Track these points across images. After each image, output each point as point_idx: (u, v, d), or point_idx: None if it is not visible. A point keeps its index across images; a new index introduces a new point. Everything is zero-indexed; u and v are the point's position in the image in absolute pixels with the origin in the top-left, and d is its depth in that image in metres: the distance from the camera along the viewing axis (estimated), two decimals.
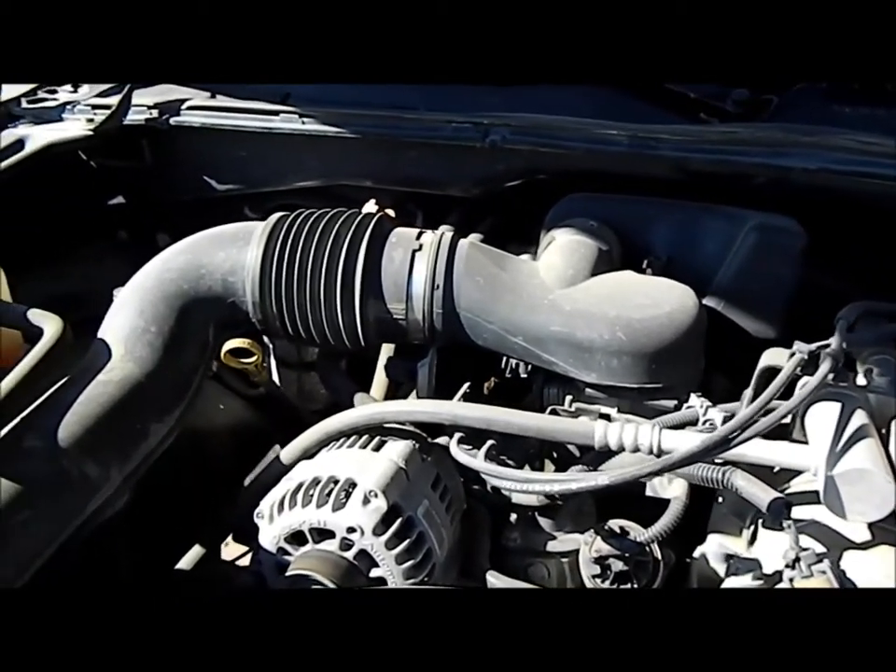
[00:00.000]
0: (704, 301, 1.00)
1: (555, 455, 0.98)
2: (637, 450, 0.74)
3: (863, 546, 0.67)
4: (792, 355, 0.73)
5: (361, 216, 0.97)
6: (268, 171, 1.32)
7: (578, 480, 0.70)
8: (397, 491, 0.80)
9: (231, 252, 0.97)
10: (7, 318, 0.90)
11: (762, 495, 0.68)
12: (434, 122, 1.15)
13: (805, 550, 0.63)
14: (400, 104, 1.20)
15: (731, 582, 0.70)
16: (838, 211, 1.00)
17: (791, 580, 0.63)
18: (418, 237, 0.95)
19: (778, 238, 0.96)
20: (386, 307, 0.93)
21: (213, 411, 1.36)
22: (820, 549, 0.67)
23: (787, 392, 0.74)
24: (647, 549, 0.81)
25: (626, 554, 0.79)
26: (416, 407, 0.86)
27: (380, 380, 1.19)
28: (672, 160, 1.04)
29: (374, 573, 0.78)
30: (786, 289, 0.97)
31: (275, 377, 1.47)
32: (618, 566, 0.79)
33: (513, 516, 0.91)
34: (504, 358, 1.09)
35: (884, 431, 0.71)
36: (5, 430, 0.76)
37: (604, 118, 1.09)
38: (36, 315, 0.88)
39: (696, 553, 0.83)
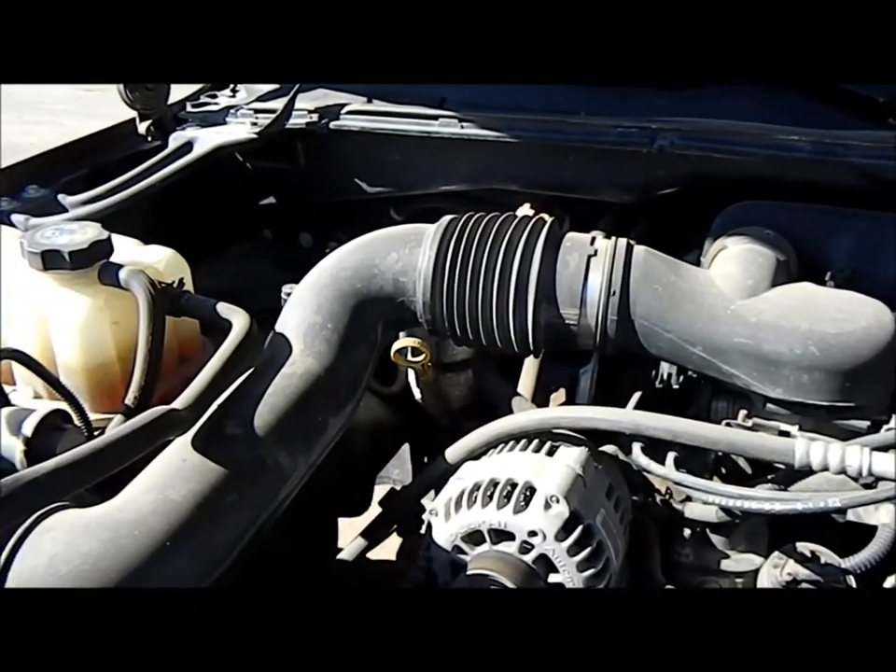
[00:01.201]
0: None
1: (724, 470, 0.94)
2: (842, 472, 0.70)
3: None
4: None
5: (535, 220, 0.97)
6: (419, 174, 1.35)
7: (804, 500, 0.67)
8: (576, 498, 0.79)
9: (402, 253, 0.99)
10: (198, 311, 0.96)
11: None
12: (599, 127, 1.14)
13: None
14: (561, 107, 1.19)
15: None
16: None
17: None
18: (592, 242, 0.95)
19: None
20: (559, 312, 0.92)
21: None
22: None
23: None
24: (842, 577, 0.77)
25: (821, 580, 0.75)
26: (595, 414, 0.85)
27: (527, 383, 1.19)
28: (860, 167, 0.99)
29: (552, 578, 0.78)
30: None
31: (412, 377, 1.50)
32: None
33: (686, 531, 0.88)
34: (655, 368, 1.06)
35: None
36: (206, 416, 0.81)
37: (781, 122, 1.05)
38: (225, 309, 0.93)
39: (888, 584, 0.78)
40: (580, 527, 0.77)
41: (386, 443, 1.53)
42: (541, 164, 1.24)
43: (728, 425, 0.90)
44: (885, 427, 0.80)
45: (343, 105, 1.33)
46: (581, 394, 1.02)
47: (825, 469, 0.71)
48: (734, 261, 0.97)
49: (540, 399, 1.14)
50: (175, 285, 0.96)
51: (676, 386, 1.05)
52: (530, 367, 1.19)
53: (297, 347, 0.93)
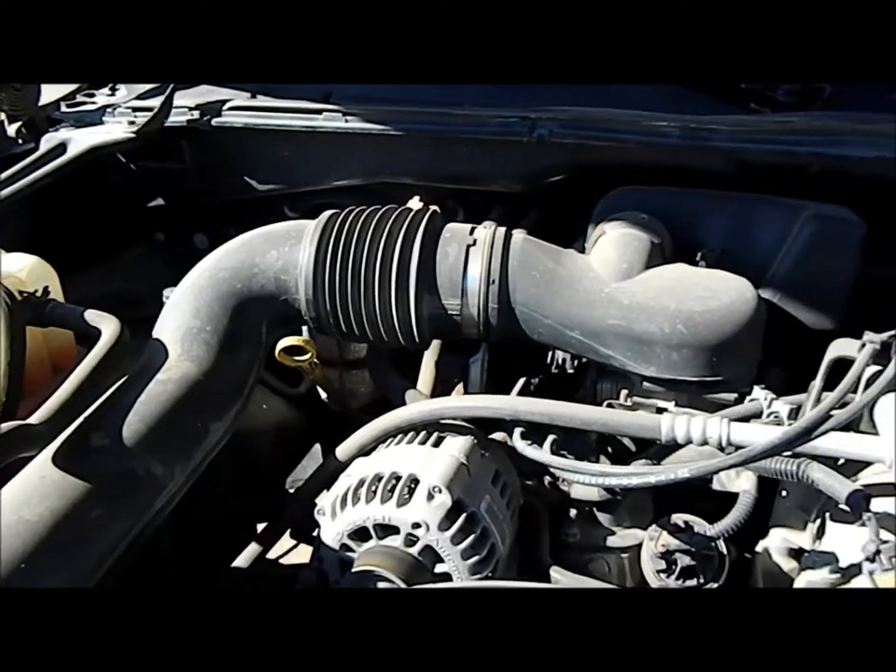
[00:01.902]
0: (760, 293, 0.99)
1: (610, 449, 0.97)
2: (704, 443, 0.73)
3: None
4: (863, 346, 0.72)
5: (414, 212, 0.97)
6: (310, 170, 1.33)
7: (656, 473, 0.70)
8: (460, 487, 0.80)
9: (283, 250, 0.97)
10: (64, 320, 0.91)
11: (839, 487, 0.67)
12: (481, 117, 1.15)
13: (885, 542, 0.62)
14: (445, 100, 1.19)
15: (804, 576, 0.69)
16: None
17: (871, 573, 0.61)
18: (471, 232, 0.95)
19: (836, 228, 0.95)
20: (441, 303, 0.92)
21: (257, 410, 1.37)
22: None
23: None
24: (713, 544, 0.80)
25: (693, 549, 0.78)
26: (477, 402, 0.86)
27: (426, 376, 1.19)
28: (726, 151, 1.03)
29: (439, 569, 0.78)
30: (846, 280, 0.95)
31: None
32: (685, 560, 0.78)
33: (573, 512, 0.90)
34: (550, 354, 1.08)
35: None
36: (71, 429, 0.77)
37: (654, 109, 1.08)
38: (94, 316, 0.89)
39: (759, 548, 0.82)
40: (463, 515, 0.78)
41: (295, 445, 1.51)
42: (430, 156, 1.24)
43: (610, 405, 0.93)
44: (748, 398, 0.84)
45: (226, 101, 1.29)
46: (472, 383, 1.02)
47: (689, 441, 0.74)
48: (611, 246, 1.00)
49: (441, 392, 1.14)
50: (39, 293, 0.91)
51: (571, 371, 1.08)
52: (429, 359, 1.19)
53: (174, 352, 0.90)
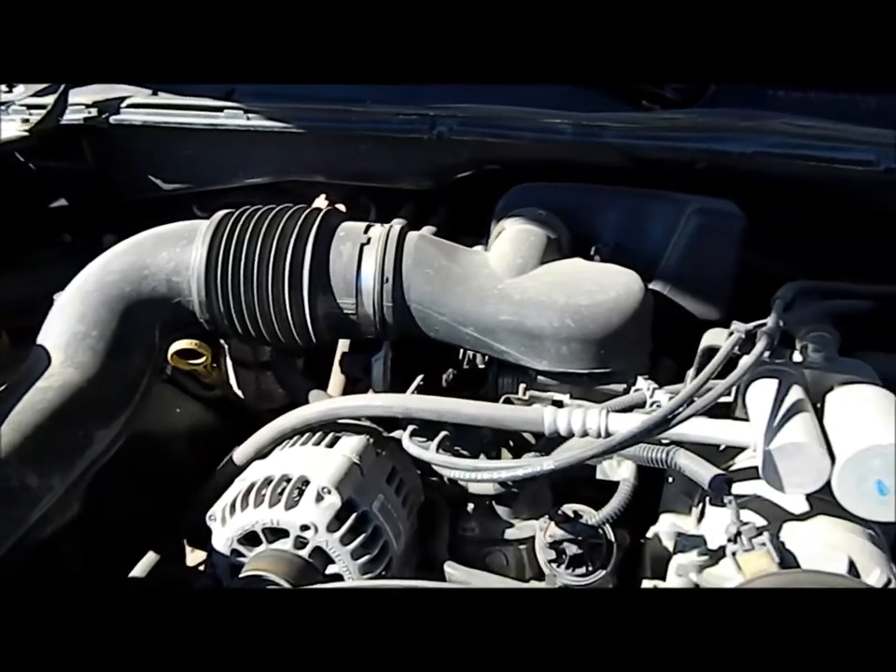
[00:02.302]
0: (651, 286, 1.02)
1: (511, 443, 0.98)
2: (585, 434, 0.75)
3: (804, 517, 0.69)
4: (731, 335, 0.74)
5: (308, 210, 0.96)
6: (216, 168, 1.30)
7: (524, 466, 0.71)
8: (351, 486, 0.79)
9: (174, 251, 0.95)
10: None
11: (703, 472, 0.70)
12: (381, 115, 1.14)
13: (745, 524, 0.64)
14: (348, 97, 1.19)
15: (677, 559, 0.71)
16: (778, 193, 1.02)
17: (733, 553, 0.64)
18: (366, 231, 0.95)
19: (718, 221, 0.98)
20: (336, 302, 0.92)
21: (169, 415, 1.34)
22: (762, 522, 0.69)
23: (727, 371, 0.76)
24: (600, 532, 0.82)
25: (580, 538, 0.80)
26: (368, 401, 0.86)
27: (337, 377, 1.19)
28: (617, 147, 1.05)
29: (330, 570, 0.78)
30: (728, 271, 0.99)
31: (232, 378, 1.45)
32: (572, 549, 0.80)
33: (470, 506, 0.91)
34: (462, 350, 1.09)
35: (818, 405, 0.73)
36: None
37: (550, 107, 1.10)
38: None
39: (649, 534, 0.84)
40: (354, 515, 0.78)
41: (213, 448, 1.48)
42: (335, 154, 1.23)
43: (508, 399, 0.94)
44: (633, 388, 0.86)
45: (124, 98, 1.26)
46: (375, 381, 1.02)
47: (571, 433, 0.76)
48: (508, 242, 1.01)
49: (352, 392, 1.13)
50: None
51: (482, 366, 1.08)
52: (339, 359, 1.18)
53: (56, 359, 0.87)
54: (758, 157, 0.99)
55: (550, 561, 0.81)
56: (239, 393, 1.40)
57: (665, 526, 0.83)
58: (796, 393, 0.72)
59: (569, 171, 1.09)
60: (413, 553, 0.87)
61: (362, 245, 0.92)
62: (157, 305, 0.94)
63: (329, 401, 0.89)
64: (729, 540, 0.65)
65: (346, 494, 0.78)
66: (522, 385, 0.96)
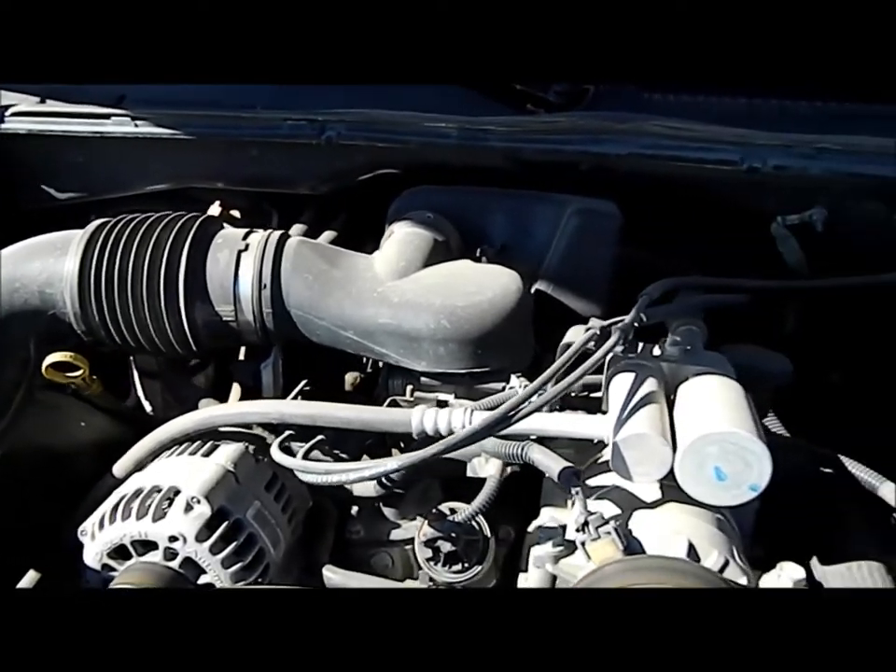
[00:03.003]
0: (536, 285, 1.04)
1: (402, 444, 0.99)
2: (451, 433, 0.76)
3: (655, 505, 0.71)
4: (587, 331, 0.77)
5: (186, 218, 0.95)
6: (109, 176, 1.27)
7: (370, 467, 0.72)
8: (223, 495, 0.79)
9: (47, 262, 0.93)
10: None
11: (553, 465, 0.72)
12: (270, 121, 1.14)
13: (592, 514, 0.66)
14: (239, 102, 1.18)
15: (534, 551, 0.72)
16: (654, 193, 1.05)
17: (582, 543, 0.66)
18: (245, 237, 0.94)
19: (594, 221, 1.01)
20: (214, 310, 0.91)
21: (73, 428, 1.31)
22: (617, 511, 0.71)
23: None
24: (476, 528, 0.83)
25: (454, 535, 0.81)
26: (245, 408, 0.85)
27: (237, 385, 1.18)
28: (501, 150, 1.07)
29: (203, 580, 0.77)
30: (605, 268, 1.01)
31: (139, 389, 1.42)
32: (446, 547, 0.81)
33: (355, 509, 0.92)
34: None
35: (672, 397, 0.76)
36: None
37: (438, 111, 1.11)
38: None
39: (531, 528, 0.86)
40: (225, 524, 0.77)
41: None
42: (228, 160, 1.22)
43: (394, 401, 0.95)
44: (507, 386, 0.88)
45: (8, 107, 1.22)
46: (265, 389, 1.02)
47: (438, 433, 0.77)
48: (393, 245, 1.02)
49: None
50: None
51: None
52: None
53: None
54: (632, 158, 1.02)
55: (427, 559, 0.82)
56: (146, 404, 1.38)
57: (545, 520, 0.84)
58: (649, 386, 0.75)
59: (460, 174, 1.11)
60: (296, 559, 0.87)
61: (240, 252, 0.92)
62: (30, 318, 0.92)
63: (205, 410, 0.89)
64: (577, 530, 0.67)
65: (218, 502, 0.78)
66: (409, 387, 0.97)
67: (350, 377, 1.15)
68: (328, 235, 1.21)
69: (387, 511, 0.92)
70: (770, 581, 0.65)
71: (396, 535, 0.90)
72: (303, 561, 0.88)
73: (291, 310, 0.92)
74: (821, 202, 1.01)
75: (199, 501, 0.77)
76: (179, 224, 0.93)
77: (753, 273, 1.03)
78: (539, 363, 0.99)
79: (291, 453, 0.81)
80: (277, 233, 0.96)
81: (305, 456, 0.80)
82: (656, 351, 0.82)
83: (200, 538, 0.76)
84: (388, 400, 0.94)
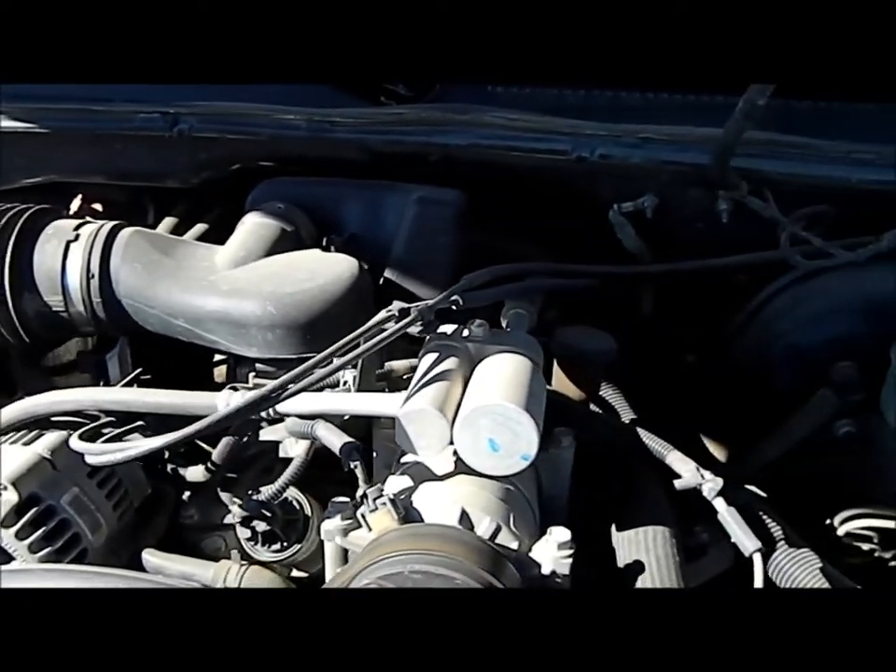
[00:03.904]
0: (386, 272, 1.06)
1: None
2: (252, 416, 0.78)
3: (444, 478, 0.74)
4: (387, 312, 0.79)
5: (14, 211, 0.95)
6: None
7: (136, 447, 0.73)
8: (35, 481, 0.80)
9: None
10: None
11: (335, 440, 0.74)
12: (123, 114, 1.15)
13: (371, 487, 0.69)
14: (96, 96, 1.18)
15: (324, 525, 0.72)
16: (498, 181, 1.09)
17: (362, 515, 0.68)
18: (77, 228, 0.95)
19: (434, 209, 1.04)
20: (44, 300, 0.92)
21: None
22: (408, 485, 0.74)
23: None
24: (296, 507, 0.85)
25: (269, 514, 0.83)
26: (61, 397, 0.86)
27: None
28: (348, 141, 1.10)
29: (14, 565, 0.78)
30: (446, 254, 1.04)
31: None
32: (261, 526, 0.83)
33: (187, 494, 0.93)
34: None
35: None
36: None
37: (289, 103, 1.13)
38: None
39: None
40: (34, 510, 0.78)
41: None
42: (93, 154, 1.22)
43: (234, 387, 0.96)
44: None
45: None
46: (112, 380, 1.03)
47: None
48: (238, 235, 1.04)
49: None
50: None
51: None
52: None
53: None
54: (472, 148, 1.05)
55: (246, 539, 0.84)
56: None
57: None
58: (447, 364, 0.77)
59: (323, 165, 1.12)
60: (125, 544, 0.88)
61: (69, 242, 0.93)
62: None
63: (24, 401, 0.89)
64: (357, 504, 0.69)
65: (29, 489, 0.79)
66: (251, 374, 0.98)
67: (219, 370, 1.16)
68: (199, 228, 1.22)
69: (223, 496, 0.93)
70: (541, 545, 0.68)
71: (229, 518, 0.92)
72: (133, 546, 0.89)
73: (122, 299, 0.93)
74: (652, 189, 1.05)
75: (6, 488, 0.77)
76: (7, 217, 0.93)
77: (604, 258, 1.07)
78: None
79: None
80: (110, 224, 0.96)
81: (116, 441, 0.81)
82: (466, 332, 0.85)
83: (6, 523, 0.77)
84: (227, 387, 0.96)
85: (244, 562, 0.85)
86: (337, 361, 0.72)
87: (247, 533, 0.84)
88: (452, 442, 0.71)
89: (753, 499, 0.93)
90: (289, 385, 0.70)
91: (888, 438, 0.90)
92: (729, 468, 1.08)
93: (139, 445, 0.72)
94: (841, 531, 1.03)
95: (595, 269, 1.07)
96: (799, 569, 0.84)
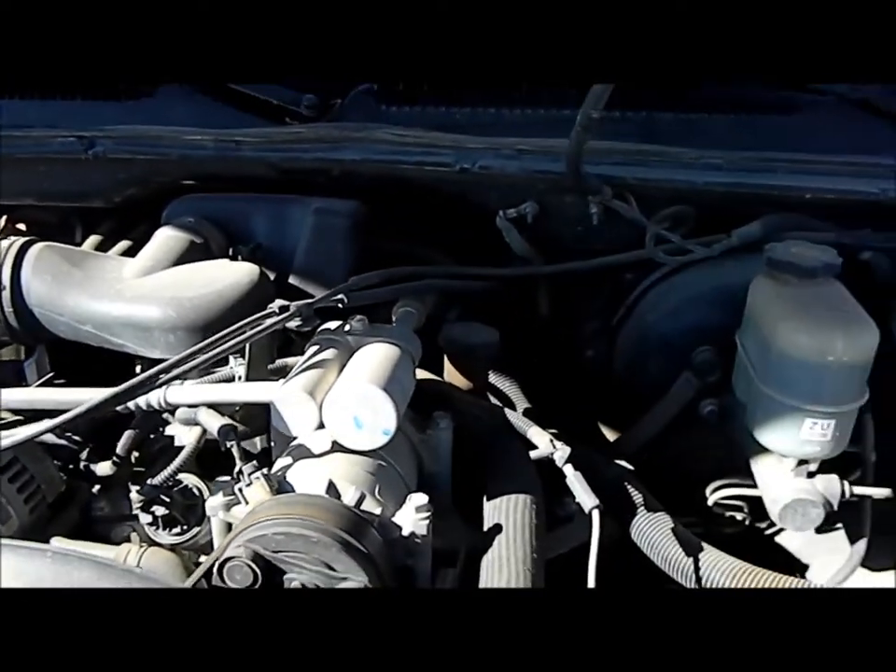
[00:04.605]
0: (290, 278, 1.15)
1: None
2: (149, 408, 0.85)
3: (321, 455, 0.82)
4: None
5: None
6: None
7: (11, 435, 0.79)
8: None
9: None
10: None
11: (214, 423, 0.82)
12: (42, 138, 1.22)
13: (247, 463, 0.77)
14: (19, 122, 1.26)
15: (209, 502, 0.79)
16: (393, 193, 1.18)
17: (240, 489, 0.76)
18: None
19: (330, 218, 1.13)
20: None
21: None
22: (288, 462, 0.82)
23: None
24: (195, 493, 0.92)
25: (170, 500, 0.90)
26: None
27: None
28: (253, 159, 1.18)
29: None
30: (342, 260, 1.13)
31: None
32: (160, 511, 0.90)
33: (97, 487, 0.99)
34: None
35: None
36: None
37: (200, 125, 1.22)
38: None
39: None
40: None
41: None
42: (21, 178, 1.29)
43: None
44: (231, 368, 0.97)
45: None
46: (31, 385, 1.09)
47: (129, 410, 0.86)
48: (148, 248, 1.11)
49: None
50: None
51: None
52: None
53: None
54: (365, 163, 1.15)
55: (148, 524, 0.91)
56: None
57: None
58: (325, 354, 0.86)
59: (237, 182, 1.21)
60: (36, 535, 0.94)
61: None
62: None
63: None
64: (235, 479, 0.77)
65: None
66: None
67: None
68: (122, 245, 1.30)
69: (133, 488, 1.00)
70: (402, 511, 0.76)
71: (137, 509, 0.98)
72: (42, 536, 0.94)
73: (33, 308, 1.00)
74: (532, 196, 1.15)
75: None
76: None
77: (499, 262, 1.17)
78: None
79: None
80: (22, 240, 1.04)
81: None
82: (348, 327, 0.93)
83: None
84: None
85: (143, 544, 0.92)
86: (212, 353, 0.79)
87: (149, 518, 0.90)
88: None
89: (622, 472, 1.02)
90: (161, 375, 0.77)
91: (739, 413, 1.00)
92: (613, 447, 1.17)
93: (15, 434, 0.79)
94: (710, 501, 1.13)
95: (486, 271, 1.17)
96: (654, 530, 0.93)
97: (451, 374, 1.09)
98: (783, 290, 0.92)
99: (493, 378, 1.19)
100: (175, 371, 0.77)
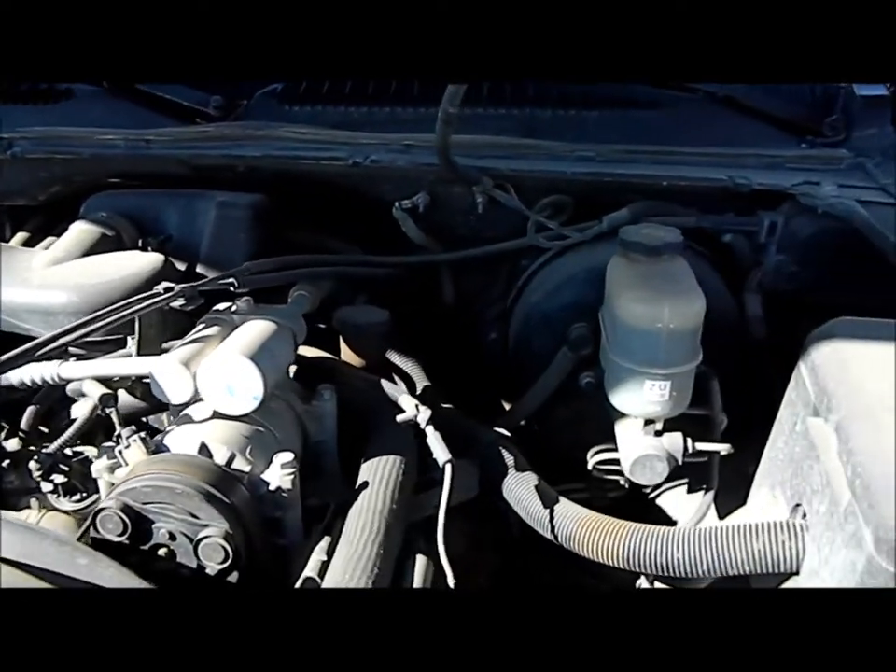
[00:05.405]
0: (197, 267, 1.23)
1: None
2: (43, 384, 0.93)
3: (202, 421, 0.90)
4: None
5: None
6: None
7: None
8: None
9: None
10: None
11: (95, 392, 0.90)
12: None
13: (126, 429, 0.84)
14: None
15: (95, 465, 0.86)
16: (296, 187, 1.26)
17: (119, 451, 0.84)
18: None
19: (231, 211, 1.21)
20: None
21: None
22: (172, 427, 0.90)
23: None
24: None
25: (67, 469, 0.97)
26: None
27: None
28: (162, 156, 1.26)
29: None
30: (243, 249, 1.21)
31: None
32: (59, 479, 0.97)
33: (6, 462, 1.06)
34: None
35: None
36: None
37: (114, 126, 1.30)
38: None
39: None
40: None
41: None
42: None
43: None
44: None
45: None
46: None
47: (26, 385, 0.93)
48: (60, 241, 1.19)
49: None
50: None
51: None
52: None
53: None
54: (266, 159, 1.23)
55: (50, 492, 0.98)
56: None
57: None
58: (208, 331, 0.94)
59: (149, 178, 1.28)
60: None
61: None
62: None
63: None
64: (113, 441, 0.85)
65: None
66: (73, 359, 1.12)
67: None
68: (48, 241, 1.37)
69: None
70: (270, 468, 0.84)
71: (46, 487, 1.05)
72: None
73: None
74: (424, 188, 1.24)
75: None
76: None
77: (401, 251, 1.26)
78: None
79: None
80: None
81: None
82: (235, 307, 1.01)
83: None
84: None
85: (43, 509, 0.99)
86: (93, 327, 0.87)
87: (50, 486, 0.97)
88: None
89: (497, 437, 1.11)
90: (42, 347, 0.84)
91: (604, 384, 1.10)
92: (501, 419, 1.26)
93: None
94: (589, 466, 1.22)
95: (380, 259, 1.25)
96: (520, 487, 1.02)
97: (346, 353, 1.17)
98: (632, 267, 1.02)
99: (395, 359, 1.27)
100: (56, 343, 0.84)
